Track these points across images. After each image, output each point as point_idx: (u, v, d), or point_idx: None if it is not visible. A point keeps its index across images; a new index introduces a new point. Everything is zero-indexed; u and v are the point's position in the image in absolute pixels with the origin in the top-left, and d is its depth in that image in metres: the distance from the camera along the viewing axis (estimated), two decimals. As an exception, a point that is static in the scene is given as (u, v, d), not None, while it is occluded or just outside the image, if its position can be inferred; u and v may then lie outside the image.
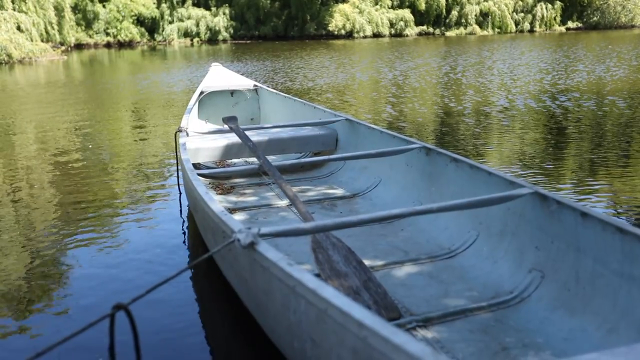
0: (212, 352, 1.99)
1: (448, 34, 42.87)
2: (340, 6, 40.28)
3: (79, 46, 32.68)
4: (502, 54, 18.14)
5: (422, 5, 42.27)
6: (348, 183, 3.61)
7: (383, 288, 2.07)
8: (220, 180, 3.78)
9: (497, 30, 44.13)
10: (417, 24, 42.94)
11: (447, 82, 10.57)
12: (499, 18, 44.27)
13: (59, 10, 27.27)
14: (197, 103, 5.16)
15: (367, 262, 2.40)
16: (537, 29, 45.57)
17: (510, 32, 43.92)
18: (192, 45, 35.56)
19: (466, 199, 2.05)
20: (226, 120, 3.90)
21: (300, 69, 14.08)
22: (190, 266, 1.49)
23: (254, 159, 4.18)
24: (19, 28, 23.00)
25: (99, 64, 20.15)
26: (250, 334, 2.06)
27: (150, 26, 37.12)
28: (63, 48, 27.05)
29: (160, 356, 1.95)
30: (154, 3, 37.12)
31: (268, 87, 6.10)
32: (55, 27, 26.72)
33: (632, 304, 1.69)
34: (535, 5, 45.49)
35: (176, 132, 3.61)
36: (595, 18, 47.68)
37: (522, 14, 45.77)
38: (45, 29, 25.53)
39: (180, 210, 3.51)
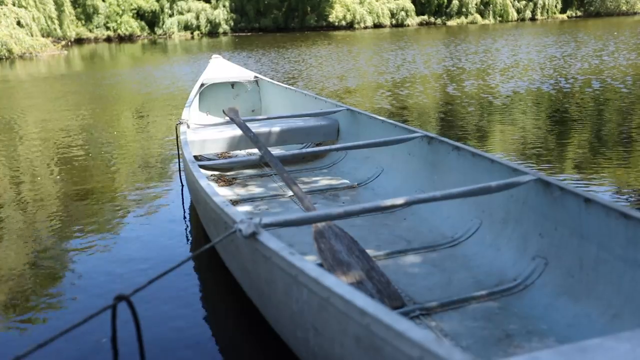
0: (214, 342, 1.99)
1: (449, 23, 42.73)
2: (341, -3, 40.17)
3: (79, 41, 32.64)
4: (504, 42, 18.06)
5: (423, -5, 42.16)
6: (350, 173, 3.60)
7: (386, 277, 2.06)
8: (222, 172, 3.78)
9: (498, 18, 43.98)
10: (418, 13, 42.82)
11: (448, 70, 10.53)
12: (500, 6, 44.09)
13: (58, 4, 27.23)
14: (198, 95, 5.15)
15: (370, 252, 2.39)
16: (538, 17, 45.41)
17: (512, 21, 43.75)
18: (192, 38, 35.50)
19: (468, 187, 2.04)
20: (227, 112, 3.89)
21: (302, 61, 14.04)
22: (191, 257, 1.48)
23: (255, 151, 4.17)
24: (19, 23, 22.99)
25: (99, 58, 20.13)
26: (252, 324, 2.06)
27: (151, 20, 37.07)
28: (63, 43, 27.02)
29: (163, 346, 1.95)
30: (154, -4, 37.08)
31: (270, 78, 6.09)
32: (56, 21, 26.69)
33: (636, 289, 1.68)
34: (536, -7, 45.34)
35: (177, 125, 3.60)
36: (595, 6, 47.54)
37: (524, 2, 45.61)
38: (46, 23, 25.49)
39: (182, 202, 3.51)
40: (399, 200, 1.99)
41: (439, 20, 43.34)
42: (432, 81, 9.19)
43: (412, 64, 12.28)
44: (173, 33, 37.01)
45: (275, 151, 4.30)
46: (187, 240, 2.91)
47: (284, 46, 20.80)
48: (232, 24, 38.42)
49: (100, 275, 2.52)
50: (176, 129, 3.65)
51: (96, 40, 34.43)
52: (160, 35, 36.98)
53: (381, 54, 15.34)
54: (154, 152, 4.91)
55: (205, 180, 2.30)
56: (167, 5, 37.34)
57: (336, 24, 39.45)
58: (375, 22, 40.46)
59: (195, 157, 3.98)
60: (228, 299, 2.29)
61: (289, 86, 4.98)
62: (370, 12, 40.48)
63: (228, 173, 3.76)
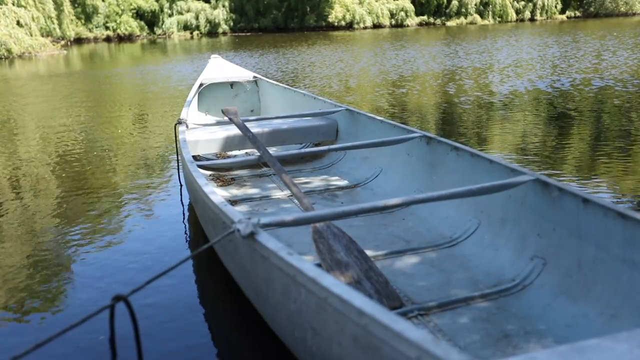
0: (213, 342, 1.98)
1: (449, 23, 42.76)
2: (340, -3, 40.19)
3: (78, 40, 32.63)
4: (504, 42, 18.07)
5: (423, -5, 42.20)
6: (349, 173, 3.60)
7: (384, 277, 2.06)
8: (221, 172, 3.78)
9: (497, 19, 44.01)
10: (417, 14, 42.85)
11: (448, 70, 10.53)
12: (500, 7, 44.13)
13: (58, 4, 27.22)
14: (197, 95, 5.15)
15: (368, 252, 2.39)
16: (537, 17, 45.47)
17: (511, 21, 43.78)
18: (192, 38, 35.48)
19: (467, 187, 2.04)
20: (226, 111, 3.88)
21: (302, 60, 14.04)
22: (190, 257, 1.48)
23: (254, 151, 4.17)
24: (18, 23, 22.97)
25: (99, 57, 20.12)
26: (251, 324, 2.06)
27: (150, 20, 37.08)
28: (63, 42, 27.01)
29: (161, 346, 1.94)
30: (153, -4, 37.07)
31: (271, 78, 6.08)
32: (55, 21, 26.69)
33: (634, 289, 1.69)
34: (536, -6, 45.41)
35: (176, 124, 3.60)
36: (594, 6, 47.66)
37: (523, 3, 45.65)
38: (45, 23, 25.48)
39: (181, 202, 3.51)
40: (398, 201, 1.99)
41: (438, 21, 43.35)
42: (432, 81, 9.19)
43: (411, 63, 12.28)
44: (172, 33, 37.01)
45: (274, 151, 4.30)
46: (186, 240, 2.91)
47: (284, 46, 20.81)
48: (232, 24, 38.42)
49: (98, 275, 2.52)
50: (175, 128, 3.64)
51: (95, 40, 34.42)
52: (159, 35, 36.99)
53: (381, 54, 15.34)
54: (153, 151, 4.91)
55: (203, 180, 2.30)
56: (166, 5, 37.35)
57: (335, 24, 39.45)
58: (375, 22, 40.47)
59: (194, 157, 3.98)
60: (226, 299, 2.29)
61: (287, 86, 4.98)
62: (369, 13, 40.48)
63: (227, 173, 3.76)
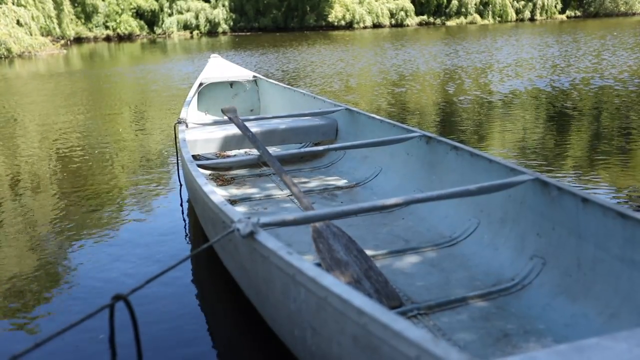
0: (212, 342, 1.99)
1: (449, 23, 42.75)
2: (340, -3, 40.17)
3: (78, 40, 32.60)
4: (504, 42, 18.06)
5: (423, -5, 42.20)
6: (348, 173, 3.60)
7: (384, 277, 2.06)
8: (220, 171, 3.78)
9: (497, 19, 44.01)
10: (417, 13, 42.83)
11: (447, 70, 10.53)
12: (500, 7, 44.12)
13: (57, 3, 27.20)
14: (197, 95, 5.15)
15: (368, 251, 2.39)
16: (537, 17, 45.48)
17: (511, 21, 43.78)
18: (191, 37, 35.46)
19: (466, 187, 2.04)
20: (225, 111, 3.88)
21: (303, 60, 14.04)
22: (189, 256, 1.49)
23: (254, 150, 4.17)
24: (18, 22, 22.96)
25: (99, 57, 20.11)
26: (250, 323, 2.06)
27: (150, 19, 37.06)
28: (62, 42, 26.99)
29: (161, 346, 1.94)
30: (153, -5, 37.06)
31: (271, 77, 6.08)
32: (55, 20, 26.68)
33: (633, 288, 1.69)
34: (536, -6, 45.41)
35: (175, 124, 3.60)
36: (594, 6, 47.70)
37: (523, 2, 45.65)
38: (45, 22, 25.47)
39: (181, 202, 3.51)
40: (398, 200, 1.99)
41: (438, 21, 43.34)
42: (432, 80, 9.19)
43: (411, 63, 12.28)
44: (172, 32, 36.99)
45: (274, 151, 4.30)
46: (185, 239, 2.91)
47: (284, 46, 20.81)
48: (232, 23, 38.40)
49: (98, 274, 2.52)
50: (174, 128, 3.65)
51: (95, 39, 34.40)
52: (159, 34, 36.97)
53: (381, 54, 15.34)
54: (153, 151, 4.91)
55: (203, 179, 2.30)
56: (166, 4, 37.33)
57: (335, 23, 39.43)
58: (375, 22, 40.45)
59: (194, 156, 3.98)
60: (226, 298, 2.29)
61: (287, 86, 4.98)
62: (369, 12, 40.46)
63: (226, 172, 3.76)
